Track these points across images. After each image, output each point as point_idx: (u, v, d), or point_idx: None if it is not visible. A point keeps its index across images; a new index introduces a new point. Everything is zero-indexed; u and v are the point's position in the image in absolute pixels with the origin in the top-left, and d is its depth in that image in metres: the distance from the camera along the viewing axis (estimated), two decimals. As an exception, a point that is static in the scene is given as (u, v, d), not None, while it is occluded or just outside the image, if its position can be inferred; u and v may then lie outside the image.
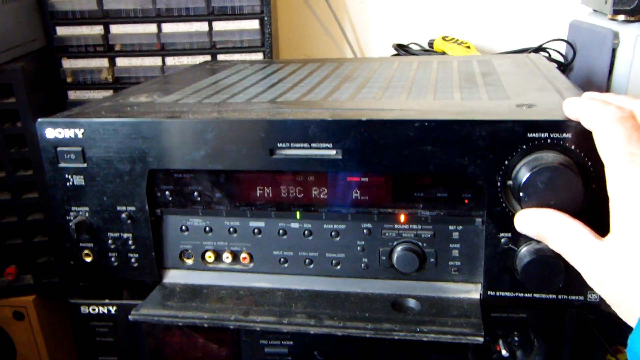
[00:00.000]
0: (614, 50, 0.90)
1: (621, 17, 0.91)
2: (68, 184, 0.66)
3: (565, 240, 0.50)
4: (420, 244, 0.63)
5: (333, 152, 0.59)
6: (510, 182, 0.56)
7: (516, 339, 0.67)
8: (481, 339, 0.56)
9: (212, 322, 0.62)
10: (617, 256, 0.45)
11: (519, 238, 0.58)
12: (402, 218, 0.62)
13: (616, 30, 0.90)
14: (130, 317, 0.64)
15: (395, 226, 0.63)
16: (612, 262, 0.45)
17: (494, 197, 0.57)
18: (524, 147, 0.54)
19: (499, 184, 0.56)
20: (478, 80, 0.77)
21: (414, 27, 1.36)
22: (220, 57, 1.11)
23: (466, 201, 0.60)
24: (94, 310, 0.73)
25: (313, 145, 0.59)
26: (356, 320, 0.60)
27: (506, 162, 0.55)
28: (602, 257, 0.46)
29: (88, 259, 0.69)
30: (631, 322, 0.44)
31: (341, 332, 0.59)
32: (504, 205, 0.57)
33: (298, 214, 0.65)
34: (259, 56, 1.11)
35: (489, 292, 0.61)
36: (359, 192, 0.62)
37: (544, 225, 0.52)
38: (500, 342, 0.67)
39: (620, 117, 0.47)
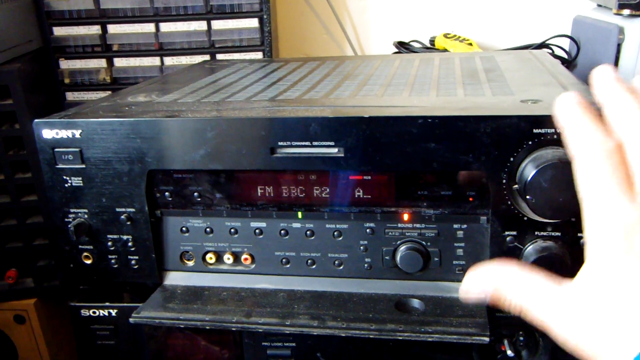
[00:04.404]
0: (619, 46, 0.89)
1: (627, 11, 0.90)
2: (66, 185, 0.65)
3: (524, 293, 0.45)
4: (424, 243, 0.62)
5: (335, 150, 0.58)
6: (516, 179, 0.55)
7: (521, 338, 0.66)
8: (487, 339, 0.55)
9: (214, 325, 0.61)
10: (584, 302, 0.41)
11: (524, 236, 0.57)
12: (406, 217, 0.62)
13: (621, 25, 0.89)
14: (131, 320, 0.63)
15: (399, 225, 0.62)
16: (577, 308, 0.41)
17: (499, 195, 0.56)
18: (530, 143, 0.53)
19: (504, 181, 0.55)
20: (481, 76, 0.76)
21: (415, 24, 1.35)
22: (219, 56, 1.10)
23: (471, 199, 0.59)
24: (94, 313, 0.73)
25: (315, 143, 0.58)
26: (360, 321, 0.59)
27: (511, 159, 0.54)
28: (566, 304, 0.42)
29: (88, 262, 0.69)
30: None
31: (344, 333, 0.58)
32: (509, 203, 0.56)
33: (300, 214, 0.64)
34: (258, 55, 1.10)
35: (494, 292, 0.60)
36: (361, 190, 0.61)
37: (496, 281, 0.47)
38: (505, 342, 0.66)
39: (606, 150, 0.42)
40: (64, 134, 0.63)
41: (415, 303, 0.62)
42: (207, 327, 0.61)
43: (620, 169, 0.42)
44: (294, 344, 0.70)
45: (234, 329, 0.61)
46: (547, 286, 0.44)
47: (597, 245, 0.42)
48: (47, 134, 0.64)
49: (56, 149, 0.64)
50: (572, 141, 0.45)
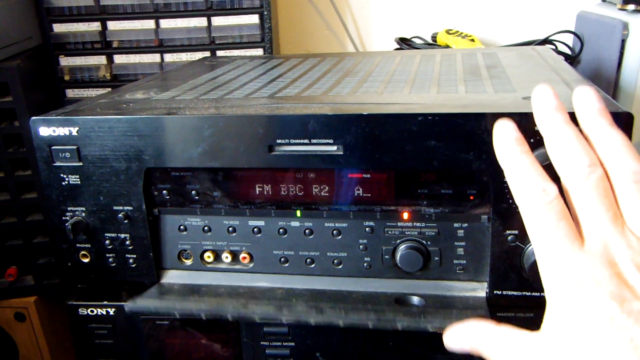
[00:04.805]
0: (623, 42, 0.88)
1: (631, 6, 0.89)
2: (63, 183, 0.65)
3: (499, 349, 0.45)
4: (424, 242, 0.61)
5: (334, 147, 0.58)
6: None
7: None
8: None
9: (210, 314, 0.61)
10: (550, 352, 0.41)
11: (526, 235, 0.56)
12: (406, 216, 0.61)
13: (626, 20, 0.88)
14: (126, 307, 0.63)
15: (399, 224, 0.61)
16: (546, 358, 0.41)
17: (500, 194, 0.56)
18: (532, 140, 0.52)
19: (505, 179, 0.55)
20: (483, 73, 0.76)
21: (417, 20, 1.34)
22: (220, 53, 1.10)
23: (471, 198, 0.59)
24: (92, 312, 0.72)
25: (313, 141, 0.58)
26: (358, 311, 0.59)
27: (512, 157, 0.54)
28: (536, 355, 0.42)
29: (85, 260, 0.68)
30: None
31: (343, 322, 0.58)
32: (510, 201, 0.56)
33: (298, 213, 0.63)
34: (258, 52, 1.09)
35: (495, 291, 0.59)
36: (360, 189, 0.61)
37: (472, 340, 0.47)
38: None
39: (548, 201, 0.42)
40: (61, 131, 0.63)
41: (415, 300, 0.61)
42: (203, 317, 0.61)
43: (564, 217, 0.42)
44: (293, 344, 0.69)
45: (230, 318, 0.61)
46: (519, 339, 0.44)
47: (554, 296, 0.42)
48: (44, 131, 0.63)
49: (53, 147, 0.63)
50: (512, 188, 0.45)
